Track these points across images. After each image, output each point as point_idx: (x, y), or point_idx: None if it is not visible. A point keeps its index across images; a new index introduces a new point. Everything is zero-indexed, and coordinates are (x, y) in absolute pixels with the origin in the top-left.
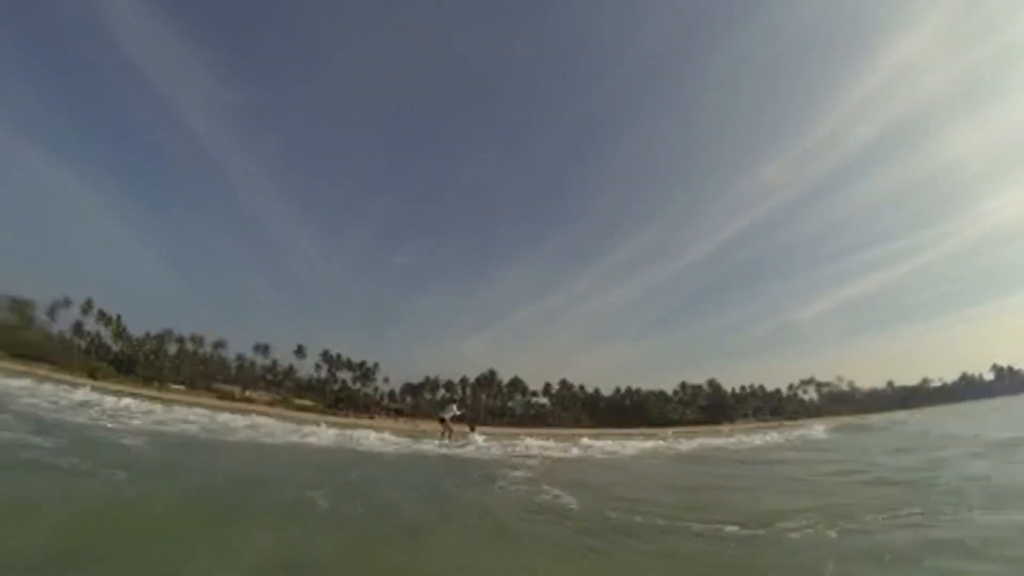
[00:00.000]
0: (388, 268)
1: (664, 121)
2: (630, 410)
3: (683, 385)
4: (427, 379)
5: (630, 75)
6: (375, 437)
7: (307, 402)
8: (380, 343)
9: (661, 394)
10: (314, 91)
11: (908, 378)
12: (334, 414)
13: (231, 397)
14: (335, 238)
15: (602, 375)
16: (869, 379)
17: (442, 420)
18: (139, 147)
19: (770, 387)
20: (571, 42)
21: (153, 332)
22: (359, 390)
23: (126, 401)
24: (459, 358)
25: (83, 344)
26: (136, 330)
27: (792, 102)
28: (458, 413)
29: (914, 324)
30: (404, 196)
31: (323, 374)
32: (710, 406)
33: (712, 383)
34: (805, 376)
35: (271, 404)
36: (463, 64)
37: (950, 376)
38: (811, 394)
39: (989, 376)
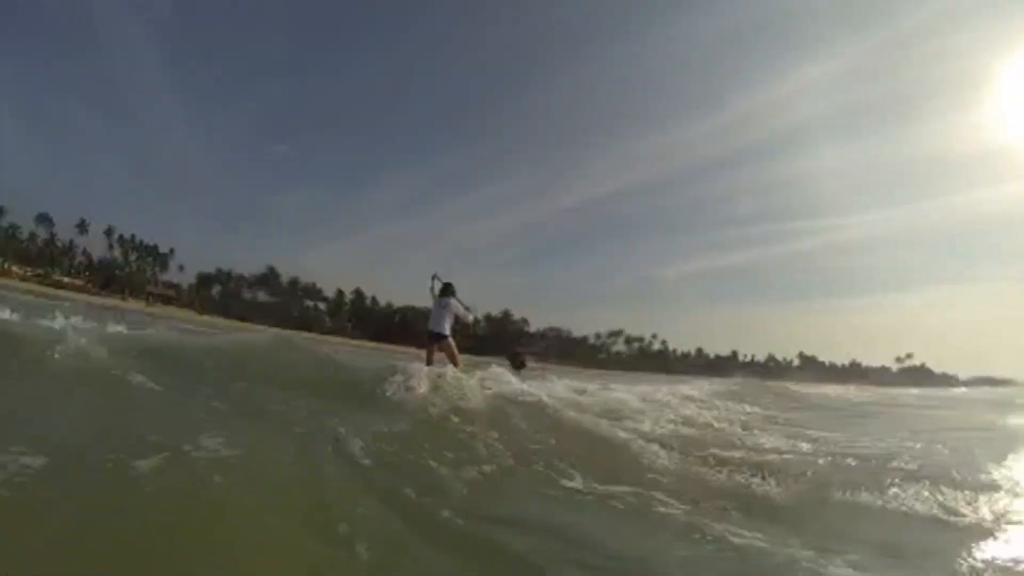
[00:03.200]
0: (263, 157)
1: (576, 72)
2: (398, 326)
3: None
4: (218, 271)
5: (567, 17)
6: None
7: (77, 280)
8: (233, 237)
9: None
10: None
11: (721, 349)
12: (98, 294)
13: None
14: (213, 120)
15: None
16: (715, 346)
17: (435, 337)
18: None
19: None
20: None
21: None
22: (144, 273)
23: None
24: (311, 266)
25: None
26: None
27: (703, 87)
28: (469, 319)
29: (758, 305)
30: (298, 81)
31: (116, 254)
32: (490, 336)
33: (506, 313)
34: (657, 331)
35: (24, 279)
36: None
37: (760, 355)
38: (620, 346)
39: (796, 362)
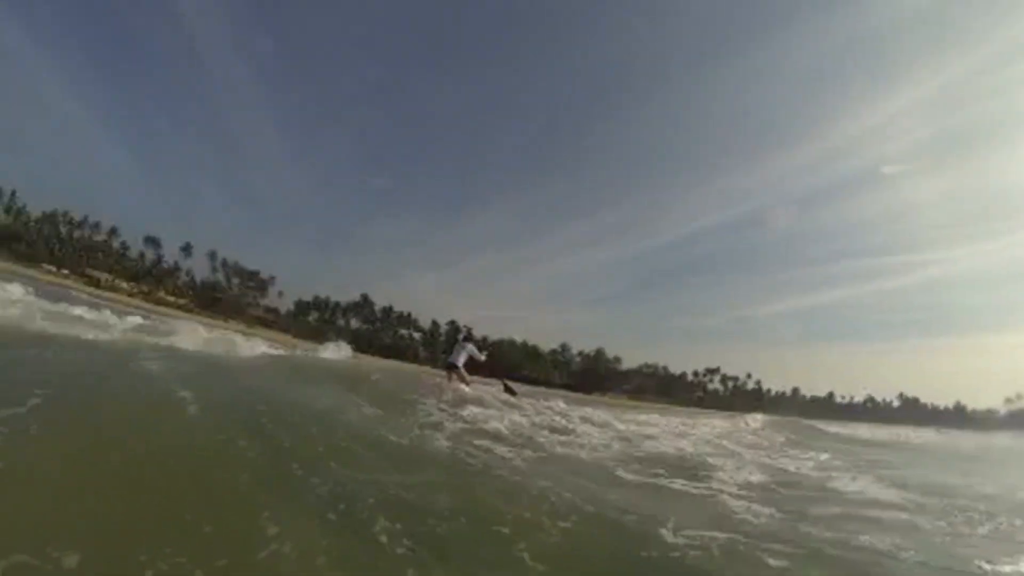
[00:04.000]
0: (360, 190)
1: (674, 104)
2: (491, 358)
3: (562, 346)
4: (315, 298)
5: (655, 50)
6: None
7: (182, 300)
8: (331, 266)
9: (533, 349)
10: None
11: (819, 389)
12: (200, 315)
13: (97, 283)
14: (311, 152)
15: (548, 334)
16: (813, 386)
17: (451, 367)
18: (120, 33)
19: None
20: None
21: (49, 211)
22: (245, 297)
23: None
24: (405, 295)
25: None
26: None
27: (798, 116)
28: (481, 358)
29: (854, 343)
30: (393, 113)
31: (219, 276)
32: (583, 372)
33: (600, 351)
34: (751, 370)
35: (131, 295)
36: None
37: (859, 396)
38: (716, 384)
39: (896, 403)
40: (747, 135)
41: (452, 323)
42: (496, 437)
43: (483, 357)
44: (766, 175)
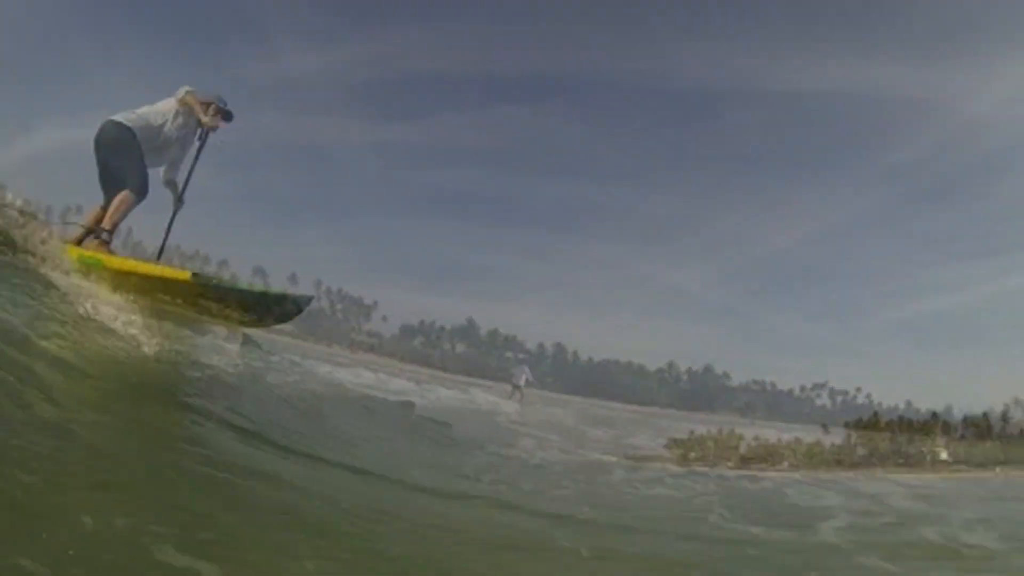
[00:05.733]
0: (464, 215)
1: (779, 97)
2: (600, 380)
3: (669, 365)
4: (421, 322)
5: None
6: None
7: (286, 327)
8: (435, 291)
9: (639, 369)
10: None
11: (935, 403)
12: (304, 339)
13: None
14: (413, 180)
15: (654, 352)
16: (928, 401)
17: (515, 386)
18: (227, 72)
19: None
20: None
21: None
22: (348, 323)
23: None
24: (512, 318)
25: None
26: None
27: (908, 103)
28: (531, 379)
29: (974, 350)
30: (494, 140)
31: (324, 304)
32: (691, 391)
33: (708, 368)
34: (861, 385)
35: (242, 323)
36: None
37: (984, 408)
38: (824, 400)
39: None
40: (849, 124)
41: (558, 344)
42: None
43: (533, 379)
44: (871, 173)
